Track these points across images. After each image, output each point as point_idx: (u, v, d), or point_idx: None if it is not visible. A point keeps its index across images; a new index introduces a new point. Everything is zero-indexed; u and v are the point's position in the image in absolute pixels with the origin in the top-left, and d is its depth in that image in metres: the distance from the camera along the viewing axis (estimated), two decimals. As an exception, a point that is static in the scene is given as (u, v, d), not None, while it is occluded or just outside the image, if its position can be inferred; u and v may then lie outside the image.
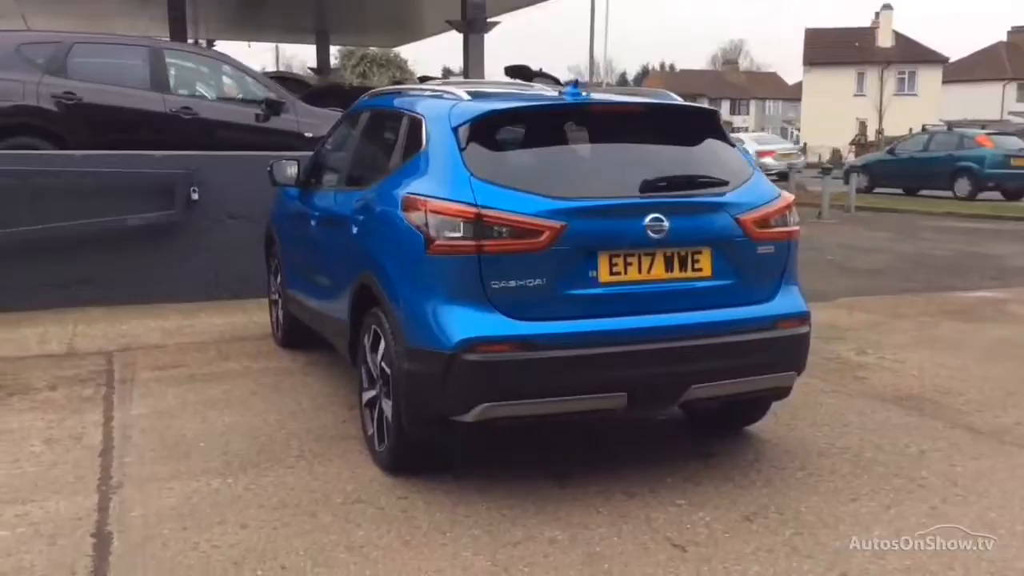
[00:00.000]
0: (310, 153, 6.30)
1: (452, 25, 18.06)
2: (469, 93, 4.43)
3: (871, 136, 46.72)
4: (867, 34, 58.33)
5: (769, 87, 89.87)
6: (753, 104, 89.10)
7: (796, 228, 4.33)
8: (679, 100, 4.81)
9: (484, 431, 4.02)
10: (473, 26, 17.75)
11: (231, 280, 8.22)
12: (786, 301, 4.25)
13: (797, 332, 4.25)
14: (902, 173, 24.07)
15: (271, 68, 45.18)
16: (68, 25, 24.54)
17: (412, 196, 4.02)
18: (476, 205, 3.78)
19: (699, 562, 3.49)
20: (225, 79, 9.76)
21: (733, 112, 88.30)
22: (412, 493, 4.09)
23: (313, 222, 5.51)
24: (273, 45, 49.77)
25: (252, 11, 25.94)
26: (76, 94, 8.75)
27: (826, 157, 44.94)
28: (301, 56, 56.78)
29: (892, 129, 44.49)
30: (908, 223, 16.08)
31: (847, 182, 23.94)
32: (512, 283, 3.77)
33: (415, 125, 4.41)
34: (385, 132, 4.86)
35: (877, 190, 24.06)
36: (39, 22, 23.55)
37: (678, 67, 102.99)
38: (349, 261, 4.69)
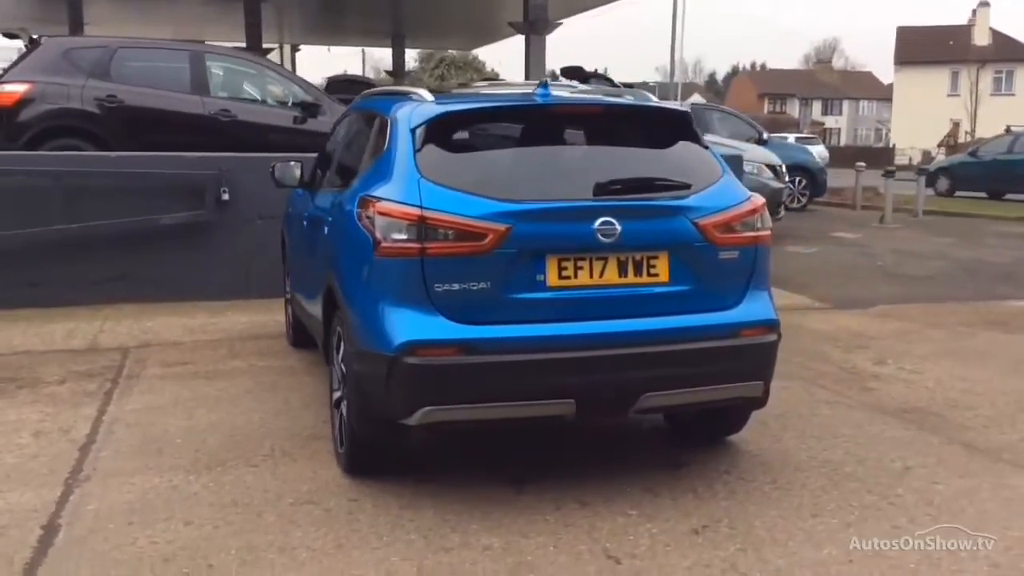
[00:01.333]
0: (314, 155, 6.35)
1: (513, 27, 18.05)
2: (434, 94, 4.40)
3: (963, 137, 45.14)
4: (962, 32, 56.35)
5: (863, 87, 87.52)
6: (846, 104, 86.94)
7: (765, 233, 4.18)
8: (655, 101, 4.69)
9: (439, 434, 4.00)
10: (534, 27, 17.70)
11: (260, 279, 8.32)
12: (752, 308, 4.10)
13: (762, 341, 4.09)
14: (985, 176, 23.15)
15: (355, 71, 45.91)
16: (157, 33, 25.45)
17: (365, 198, 4.02)
18: (421, 207, 3.76)
19: (629, 575, 3.40)
20: (264, 82, 9.92)
21: (825, 112, 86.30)
22: (364, 495, 4.08)
23: (305, 223, 5.56)
24: (360, 49, 50.61)
25: (331, 16, 26.43)
26: (118, 97, 9.02)
27: (917, 159, 43.59)
28: (388, 60, 57.48)
29: (989, 130, 42.83)
30: (976, 228, 15.43)
31: (927, 184, 23.23)
32: (456, 286, 3.73)
33: (383, 127, 4.41)
34: (363, 134, 4.87)
35: (959, 193, 23.21)
36: (131, 30, 24.42)
37: (769, 66, 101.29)
38: (322, 262, 4.72)
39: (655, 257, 3.92)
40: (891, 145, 48.46)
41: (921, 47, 55.58)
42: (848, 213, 17.54)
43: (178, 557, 3.51)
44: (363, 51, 53.32)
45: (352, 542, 3.64)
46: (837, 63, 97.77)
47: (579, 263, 3.83)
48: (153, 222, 8.20)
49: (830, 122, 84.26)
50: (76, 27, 21.83)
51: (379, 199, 3.90)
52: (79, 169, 8.13)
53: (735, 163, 9.90)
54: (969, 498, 4.10)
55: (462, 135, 4.17)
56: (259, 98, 9.94)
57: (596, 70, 15.07)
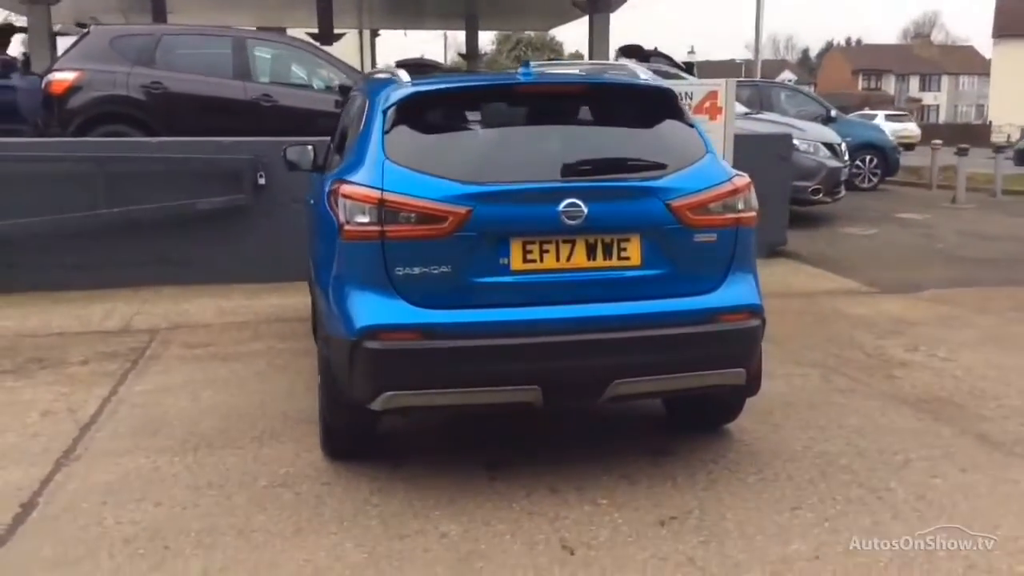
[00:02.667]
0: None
1: (577, 6, 17.84)
2: (415, 76, 4.35)
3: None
4: (1068, 1, 53.65)
5: (964, 62, 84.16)
6: (945, 80, 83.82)
7: (748, 214, 3.99)
8: (643, 79, 4.50)
9: (413, 417, 3.96)
10: (597, 6, 17.50)
11: (297, 262, 8.36)
12: (732, 292, 3.93)
13: (742, 326, 3.92)
14: (1081, 154, 21.99)
15: (437, 55, 46.07)
16: (239, 21, 26.04)
17: (336, 180, 4.00)
18: (382, 189, 3.71)
19: (579, 566, 3.32)
20: (306, 66, 9.99)
21: (923, 88, 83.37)
22: (338, 479, 4.08)
23: (307, 207, 5.57)
24: (442, 33, 50.78)
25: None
26: (163, 83, 9.21)
27: (1016, 136, 41.74)
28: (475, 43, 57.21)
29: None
30: (1058, 208, 14.64)
31: (1018, 163, 22.19)
32: (417, 270, 3.68)
33: (362, 110, 4.38)
34: (352, 115, 4.84)
35: (1052, 172, 22.08)
36: (213, 18, 24.99)
37: (865, 41, 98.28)
38: (310, 246, 4.72)
39: (626, 240, 3.79)
40: (987, 122, 46.41)
41: (1021, 18, 53.10)
42: (922, 193, 16.83)
43: (139, 538, 3.55)
44: (445, 35, 53.49)
45: (312, 527, 3.64)
46: (936, 37, 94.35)
47: (545, 246, 3.73)
48: (192, 206, 8.34)
49: (928, 99, 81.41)
50: (159, 15, 22.38)
51: (345, 182, 3.87)
52: (121, 155, 8.32)
53: (784, 141, 9.62)
54: (964, 493, 3.89)
55: (432, 116, 4.10)
56: (301, 82, 10.02)
57: (656, 48, 14.80)
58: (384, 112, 4.02)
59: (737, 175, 4.04)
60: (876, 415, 4.88)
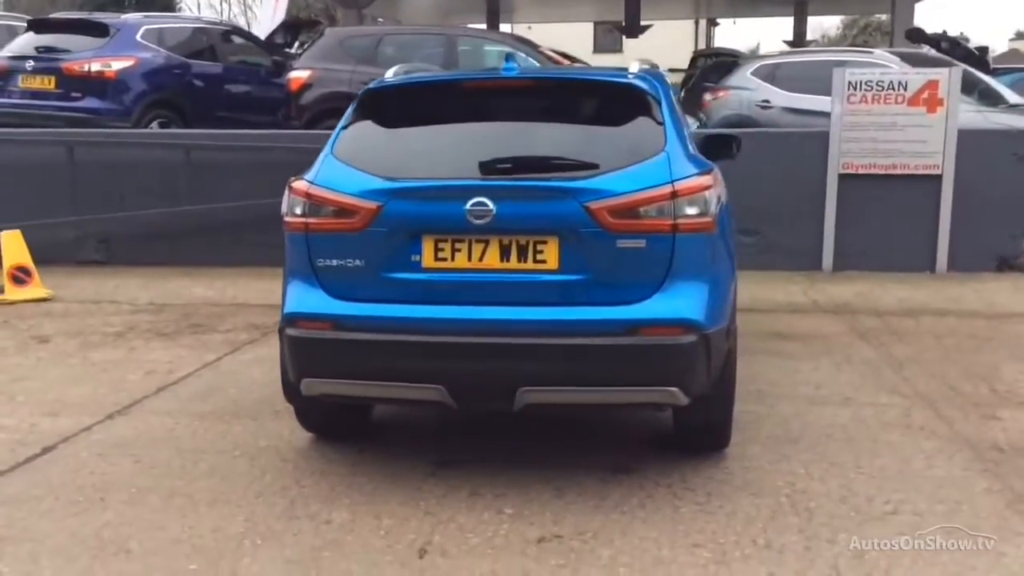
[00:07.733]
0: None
1: (874, -12, 16.42)
2: (402, 70, 4.45)
3: None
4: None
5: None
6: None
7: (694, 221, 3.60)
8: (631, 74, 4.12)
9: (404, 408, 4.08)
10: (898, -12, 16.06)
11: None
12: (662, 304, 3.59)
13: (670, 342, 3.57)
14: None
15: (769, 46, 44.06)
16: (579, 16, 27.12)
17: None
18: (311, 183, 3.86)
19: (414, 571, 3.26)
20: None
21: None
22: (300, 457, 4.31)
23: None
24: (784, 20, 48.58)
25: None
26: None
27: None
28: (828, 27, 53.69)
29: None
30: None
31: None
32: (333, 262, 3.79)
33: None
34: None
35: None
36: (549, 15, 26.15)
37: None
38: None
39: (543, 242, 3.62)
40: None
41: None
42: None
43: (90, 488, 3.98)
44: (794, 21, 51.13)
45: (229, 498, 3.87)
46: None
47: (457, 245, 3.67)
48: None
49: None
50: (493, 18, 23.84)
51: (299, 177, 4.07)
52: (315, 147, 9.07)
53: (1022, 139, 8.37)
54: (929, 562, 3.27)
55: (384, 112, 4.17)
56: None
57: (944, 31, 13.35)
58: (353, 108, 4.17)
59: (687, 177, 3.66)
60: (917, 458, 4.20)
